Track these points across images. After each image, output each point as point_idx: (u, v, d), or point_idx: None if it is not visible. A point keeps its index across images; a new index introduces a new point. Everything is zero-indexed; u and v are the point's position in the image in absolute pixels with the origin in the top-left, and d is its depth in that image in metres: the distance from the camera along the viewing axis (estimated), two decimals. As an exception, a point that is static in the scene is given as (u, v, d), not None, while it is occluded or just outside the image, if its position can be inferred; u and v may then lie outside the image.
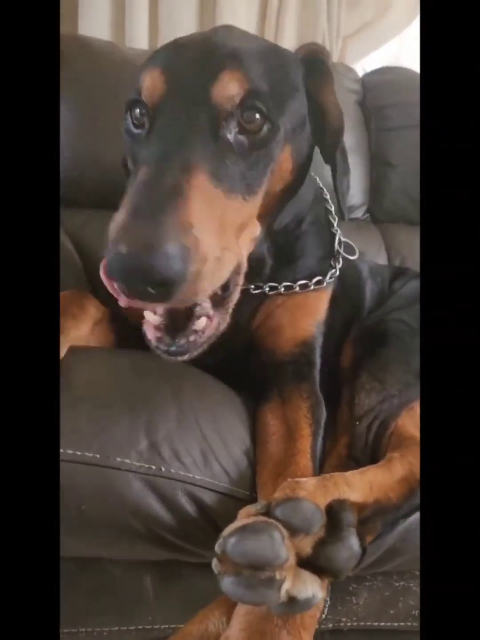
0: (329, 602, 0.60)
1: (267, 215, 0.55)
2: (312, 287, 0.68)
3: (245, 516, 0.40)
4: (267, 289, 0.66)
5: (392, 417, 0.58)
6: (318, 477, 0.43)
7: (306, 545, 0.38)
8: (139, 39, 1.32)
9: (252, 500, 0.52)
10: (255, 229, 0.53)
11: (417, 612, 0.62)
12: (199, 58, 0.47)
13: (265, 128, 0.48)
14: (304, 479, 0.42)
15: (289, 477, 0.49)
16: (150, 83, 0.47)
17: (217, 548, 0.38)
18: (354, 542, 0.40)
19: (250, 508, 0.40)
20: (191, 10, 1.35)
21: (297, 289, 0.67)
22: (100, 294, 0.73)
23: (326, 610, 0.60)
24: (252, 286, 0.64)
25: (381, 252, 1.20)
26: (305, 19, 1.45)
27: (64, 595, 0.56)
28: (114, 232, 0.37)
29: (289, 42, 1.46)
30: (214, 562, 0.38)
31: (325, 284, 0.68)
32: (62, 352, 0.56)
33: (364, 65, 1.50)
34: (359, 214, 1.26)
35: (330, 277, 0.69)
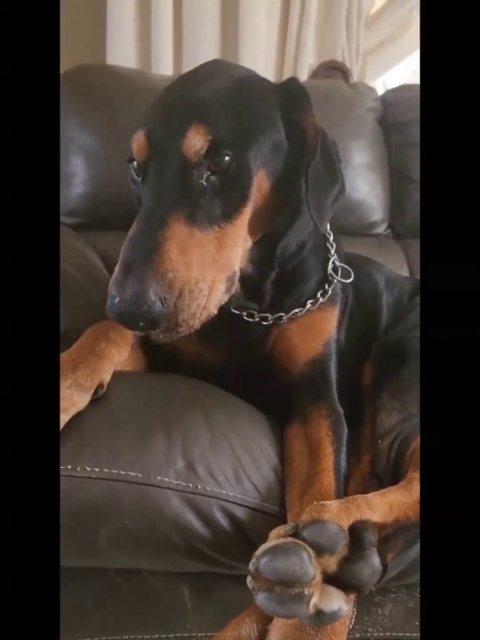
0: (355, 613, 0.63)
1: (266, 233, 0.64)
2: (313, 308, 0.72)
3: (275, 536, 0.44)
4: (272, 320, 0.70)
5: (413, 436, 0.61)
6: (342, 499, 0.46)
7: (331, 563, 0.42)
8: (165, 66, 1.37)
9: (281, 515, 0.56)
10: (246, 243, 0.61)
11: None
12: (173, 116, 0.56)
13: (233, 166, 0.55)
14: (328, 502, 0.45)
15: (314, 495, 0.53)
16: (137, 146, 0.56)
17: (251, 566, 0.42)
18: (375, 560, 0.43)
19: (281, 529, 0.44)
20: (213, 36, 1.40)
21: (300, 315, 0.71)
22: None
23: (353, 620, 0.63)
24: (258, 318, 0.69)
25: (403, 268, 1.22)
26: (325, 37, 1.49)
27: (107, 604, 0.62)
28: (111, 284, 0.49)
29: (309, 60, 1.49)
30: (249, 579, 0.42)
31: (317, 305, 0.73)
32: (107, 377, 0.61)
33: (384, 81, 1.53)
34: (380, 229, 1.28)
35: (322, 298, 0.73)
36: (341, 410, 0.67)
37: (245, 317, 0.69)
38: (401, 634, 0.65)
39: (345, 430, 0.65)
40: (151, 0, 1.32)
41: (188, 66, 1.40)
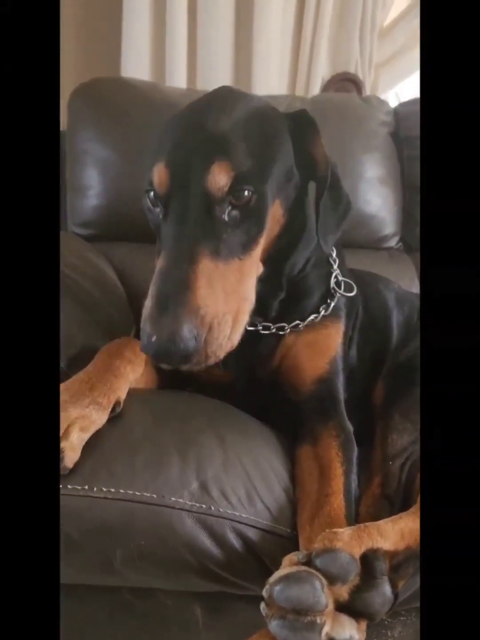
0: (365, 636, 0.64)
1: (273, 254, 0.65)
2: (316, 322, 0.73)
3: (288, 564, 0.45)
4: (274, 329, 0.71)
5: (424, 459, 0.62)
6: (353, 527, 0.47)
7: (343, 592, 0.43)
8: (179, 79, 1.39)
9: (293, 537, 0.57)
10: (259, 269, 0.62)
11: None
12: (194, 149, 0.56)
13: (253, 199, 0.57)
14: (340, 530, 0.46)
15: (324, 518, 0.54)
16: (158, 179, 0.57)
17: (264, 593, 0.43)
18: (386, 588, 0.44)
19: (294, 556, 0.45)
20: (227, 49, 1.41)
21: (302, 327, 0.73)
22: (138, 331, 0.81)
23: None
24: (261, 327, 0.71)
25: (414, 281, 1.22)
26: (338, 49, 1.49)
27: (119, 621, 0.63)
28: (144, 319, 0.51)
29: (322, 71, 1.50)
30: (262, 605, 0.43)
31: (319, 318, 0.74)
32: (123, 394, 0.62)
33: (397, 92, 1.53)
34: (392, 243, 1.28)
35: (325, 311, 0.75)
36: (351, 429, 0.68)
37: (247, 328, 0.70)
38: (410, 656, 0.66)
39: (355, 449, 0.65)
40: (166, 14, 1.33)
41: (202, 79, 1.43)
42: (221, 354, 0.53)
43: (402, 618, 0.64)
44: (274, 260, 0.66)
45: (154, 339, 0.48)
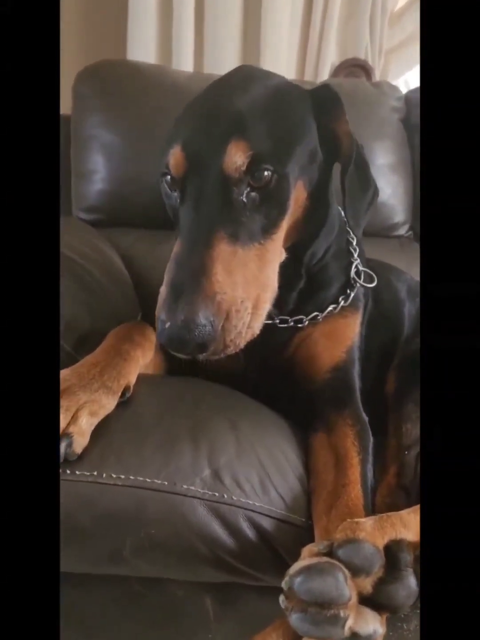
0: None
1: (294, 241, 0.62)
2: (335, 313, 0.71)
3: (308, 555, 0.42)
4: (292, 323, 0.69)
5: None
6: (375, 517, 0.45)
7: (367, 584, 0.41)
8: (186, 62, 1.35)
9: (308, 526, 0.55)
10: (282, 256, 0.59)
11: None
12: (210, 130, 0.54)
13: (273, 180, 0.53)
14: (362, 520, 0.44)
15: (342, 508, 0.52)
16: (174, 161, 0.54)
17: (284, 585, 0.40)
18: (411, 581, 0.42)
19: (313, 547, 0.43)
20: (235, 32, 1.37)
21: (320, 319, 0.70)
22: (148, 320, 0.78)
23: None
24: (278, 320, 0.68)
25: (425, 270, 1.20)
26: (348, 36, 1.46)
27: (129, 613, 0.61)
28: (159, 306, 0.48)
29: (332, 57, 1.46)
30: (281, 598, 0.40)
31: (338, 309, 0.71)
32: (133, 379, 0.60)
33: (406, 79, 1.50)
34: (402, 231, 1.26)
35: (344, 302, 0.72)
36: (366, 418, 0.66)
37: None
38: (425, 649, 0.64)
39: (371, 439, 0.63)
40: (173, -4, 1.30)
41: (209, 63, 1.39)
42: (241, 343, 0.51)
43: (418, 611, 0.62)
44: (294, 249, 0.63)
45: (168, 325, 0.46)
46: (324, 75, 1.45)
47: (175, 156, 0.54)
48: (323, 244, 0.69)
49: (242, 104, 0.54)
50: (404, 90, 1.35)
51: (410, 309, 0.90)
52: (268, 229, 0.54)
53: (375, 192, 0.67)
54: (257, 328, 0.52)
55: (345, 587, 0.39)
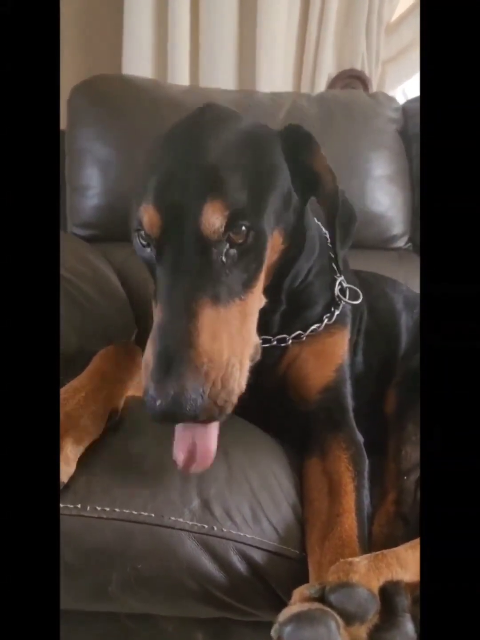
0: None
1: (273, 277, 0.59)
2: (320, 330, 0.69)
3: (299, 599, 0.40)
4: (275, 342, 0.66)
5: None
6: (370, 556, 0.42)
7: (362, 632, 0.38)
8: (181, 76, 1.34)
9: (302, 558, 0.52)
10: (261, 303, 0.57)
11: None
12: (183, 185, 0.50)
13: (250, 236, 0.51)
14: (356, 560, 0.41)
15: (335, 540, 0.49)
16: (148, 220, 0.50)
17: (273, 633, 0.37)
18: (409, 627, 0.39)
19: (305, 590, 0.40)
20: (231, 45, 1.36)
21: (304, 338, 0.67)
22: (139, 334, 0.76)
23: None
24: (261, 340, 0.65)
25: (424, 282, 1.17)
26: (344, 46, 1.44)
27: (120, 649, 0.58)
28: (148, 381, 0.45)
29: (328, 68, 1.45)
30: None
31: (322, 327, 0.69)
32: (120, 402, 0.58)
33: (404, 89, 1.48)
34: (400, 243, 1.23)
35: (328, 320, 0.69)
36: (361, 440, 0.63)
37: None
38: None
39: (366, 462, 0.60)
40: (168, 10, 1.29)
41: (205, 76, 1.38)
42: (234, 400, 0.48)
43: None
44: (273, 276, 0.60)
45: (158, 403, 0.44)
46: (321, 87, 1.43)
47: (149, 215, 0.50)
48: (305, 266, 0.67)
49: (214, 155, 0.51)
50: (401, 100, 1.33)
51: (407, 321, 0.87)
52: (248, 283, 0.51)
53: (355, 217, 0.66)
54: (244, 383, 0.50)
55: (337, 637, 0.36)
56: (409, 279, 1.13)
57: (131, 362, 0.62)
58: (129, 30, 1.30)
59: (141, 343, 0.73)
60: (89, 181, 1.08)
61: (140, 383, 0.65)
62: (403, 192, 1.22)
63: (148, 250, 0.52)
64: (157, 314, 0.49)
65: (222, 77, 1.36)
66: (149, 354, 0.46)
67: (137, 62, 1.32)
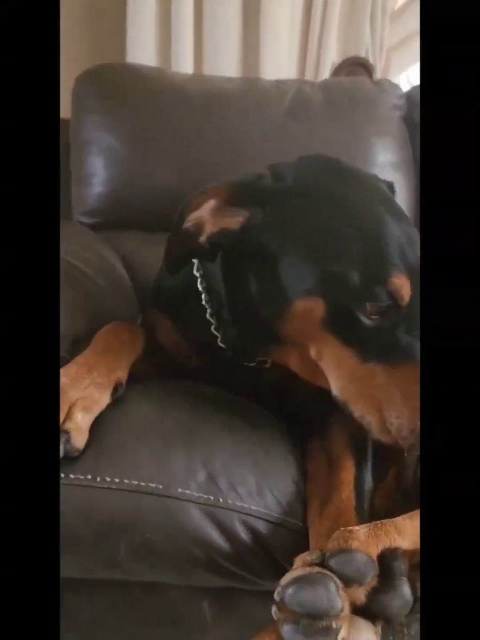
0: (381, 633, 0.60)
1: None
2: None
3: (300, 564, 0.41)
4: None
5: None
6: (369, 525, 0.43)
7: (360, 594, 0.39)
8: (185, 64, 1.33)
9: (304, 530, 0.53)
10: None
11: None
12: (412, 250, 0.52)
13: None
14: (356, 528, 0.42)
15: (332, 511, 0.50)
16: (405, 290, 0.50)
17: (276, 596, 0.39)
18: (406, 590, 0.40)
19: (306, 556, 0.41)
20: (235, 33, 1.35)
21: None
22: (146, 321, 0.77)
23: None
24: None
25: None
26: (348, 34, 1.42)
27: (127, 617, 0.60)
28: None
29: (333, 57, 1.43)
30: (274, 609, 0.39)
31: None
32: (124, 375, 0.59)
33: (408, 76, 1.46)
34: (404, 229, 1.23)
35: None
36: None
37: None
38: (426, 653, 0.62)
39: (369, 440, 0.61)
40: (172, -2, 1.28)
41: (209, 64, 1.37)
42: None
43: (418, 615, 0.59)
44: None
45: None
46: (325, 74, 1.42)
47: (405, 284, 0.50)
48: None
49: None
50: (405, 87, 1.31)
51: None
52: None
53: None
54: None
55: (337, 597, 0.37)
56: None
57: (132, 338, 0.64)
58: (132, 19, 1.29)
59: (145, 329, 0.74)
60: (94, 169, 1.08)
61: (141, 367, 0.66)
62: (407, 178, 1.20)
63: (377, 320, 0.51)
64: (415, 367, 0.48)
65: (226, 65, 1.35)
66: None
67: (141, 51, 1.31)
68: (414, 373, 0.48)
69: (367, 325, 0.50)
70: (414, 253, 0.52)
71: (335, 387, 0.53)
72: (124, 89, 1.12)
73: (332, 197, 0.54)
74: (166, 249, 0.61)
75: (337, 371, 0.52)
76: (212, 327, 0.63)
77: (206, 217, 0.55)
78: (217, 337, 0.63)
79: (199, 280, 0.64)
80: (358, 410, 0.51)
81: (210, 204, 0.55)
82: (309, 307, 0.51)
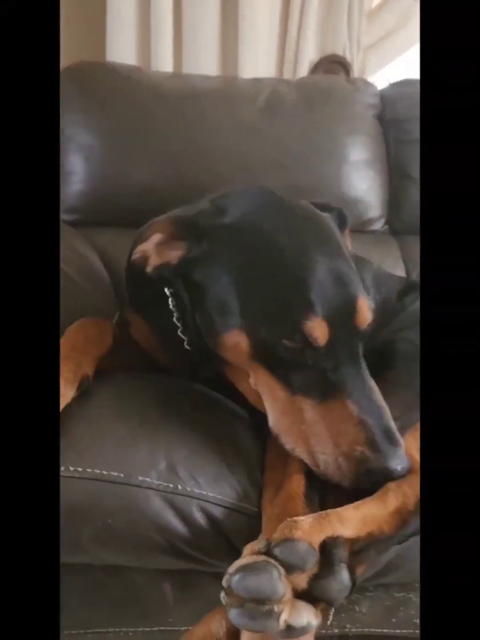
0: (333, 611, 0.61)
1: None
2: None
3: (248, 553, 0.41)
4: None
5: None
6: (314, 515, 0.44)
7: (302, 580, 0.40)
8: (165, 62, 1.31)
9: (258, 515, 0.53)
10: None
11: (417, 621, 0.62)
12: (340, 290, 0.53)
13: None
14: (301, 519, 0.43)
15: (283, 496, 0.50)
16: (320, 332, 0.51)
17: (224, 582, 0.40)
18: (344, 575, 0.41)
19: (254, 545, 0.42)
20: (213, 31, 1.32)
21: None
22: (122, 317, 0.77)
23: (331, 616, 0.61)
24: None
25: (399, 264, 1.16)
26: (326, 32, 1.41)
27: (93, 599, 0.61)
28: (373, 457, 0.49)
29: (310, 54, 1.42)
30: (222, 595, 0.40)
31: None
32: (90, 370, 0.59)
33: (385, 74, 1.45)
34: (377, 226, 1.22)
35: None
36: None
37: None
38: (379, 631, 0.63)
39: None
40: (152, -4, 1.25)
41: (188, 62, 1.35)
42: None
43: (369, 594, 0.61)
44: None
45: (400, 468, 0.48)
46: (303, 72, 1.40)
47: (320, 327, 0.50)
48: None
49: (340, 252, 0.56)
50: (384, 85, 1.30)
51: (374, 295, 0.86)
52: None
53: None
54: None
55: (279, 583, 0.38)
56: (384, 260, 1.14)
57: (100, 334, 0.64)
58: (112, 17, 1.27)
59: (121, 325, 0.74)
60: (73, 167, 1.06)
61: (110, 362, 0.66)
62: (380, 176, 1.20)
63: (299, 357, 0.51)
64: (342, 404, 0.50)
65: (205, 64, 1.33)
66: (365, 439, 0.48)
67: (121, 49, 1.29)
68: (339, 409, 0.50)
69: (290, 361, 0.51)
70: (341, 293, 0.52)
71: (270, 417, 0.54)
72: (102, 87, 1.10)
73: (263, 236, 0.54)
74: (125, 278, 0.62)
75: (270, 402, 0.53)
76: (179, 331, 0.63)
77: (151, 250, 0.57)
78: (183, 340, 0.63)
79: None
80: (289, 443, 0.52)
81: (156, 237, 0.56)
82: (235, 341, 0.53)
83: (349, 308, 0.52)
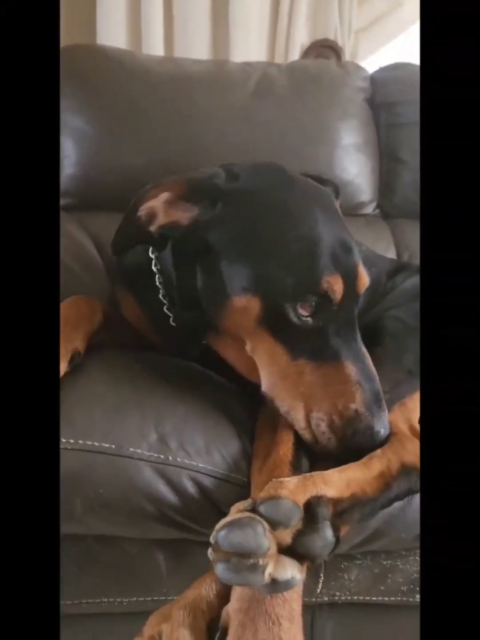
0: (323, 579, 0.63)
1: None
2: None
3: (235, 512, 0.43)
4: None
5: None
6: (299, 476, 0.45)
7: (286, 536, 0.41)
8: (156, 46, 1.31)
9: (247, 484, 0.55)
10: None
11: (405, 588, 0.64)
12: (346, 252, 0.56)
13: None
14: (287, 479, 0.44)
15: (270, 465, 0.52)
16: (337, 288, 0.53)
17: (211, 539, 0.41)
18: (328, 532, 0.42)
19: (240, 505, 0.43)
20: (204, 15, 1.32)
21: None
22: (112, 296, 0.77)
23: (321, 584, 0.63)
24: None
25: (390, 247, 1.17)
26: (317, 15, 1.41)
27: (87, 569, 0.62)
28: (365, 416, 0.52)
29: (301, 38, 1.42)
30: (209, 551, 0.41)
31: None
32: (81, 346, 0.60)
33: (376, 58, 1.45)
34: (368, 210, 1.22)
35: None
36: None
37: None
38: (368, 598, 0.65)
39: None
40: (142, -20, 1.25)
41: (179, 46, 1.35)
42: None
43: (357, 562, 0.63)
44: None
45: (382, 431, 0.51)
46: (294, 57, 1.40)
47: (337, 282, 0.52)
48: None
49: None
50: (374, 68, 1.30)
51: None
52: None
53: None
54: None
55: (264, 538, 0.39)
56: (376, 244, 1.14)
57: (91, 310, 0.65)
58: (102, 1, 1.26)
59: (112, 303, 0.75)
60: (64, 151, 1.06)
61: (101, 338, 0.67)
62: (371, 160, 1.21)
63: (308, 319, 0.52)
64: (340, 367, 0.52)
65: (196, 48, 1.33)
66: (360, 398, 0.51)
67: (111, 33, 1.29)
68: (338, 372, 0.52)
69: (298, 325, 0.52)
70: (347, 258, 0.54)
71: (266, 382, 0.55)
72: (93, 70, 1.10)
73: (274, 202, 0.55)
74: (116, 231, 0.61)
75: (268, 367, 0.54)
76: (165, 307, 0.64)
77: (159, 208, 0.56)
78: (170, 316, 0.64)
79: (153, 261, 0.65)
80: (285, 406, 0.53)
81: (165, 196, 0.55)
82: (246, 305, 0.53)
83: (352, 273, 0.54)
